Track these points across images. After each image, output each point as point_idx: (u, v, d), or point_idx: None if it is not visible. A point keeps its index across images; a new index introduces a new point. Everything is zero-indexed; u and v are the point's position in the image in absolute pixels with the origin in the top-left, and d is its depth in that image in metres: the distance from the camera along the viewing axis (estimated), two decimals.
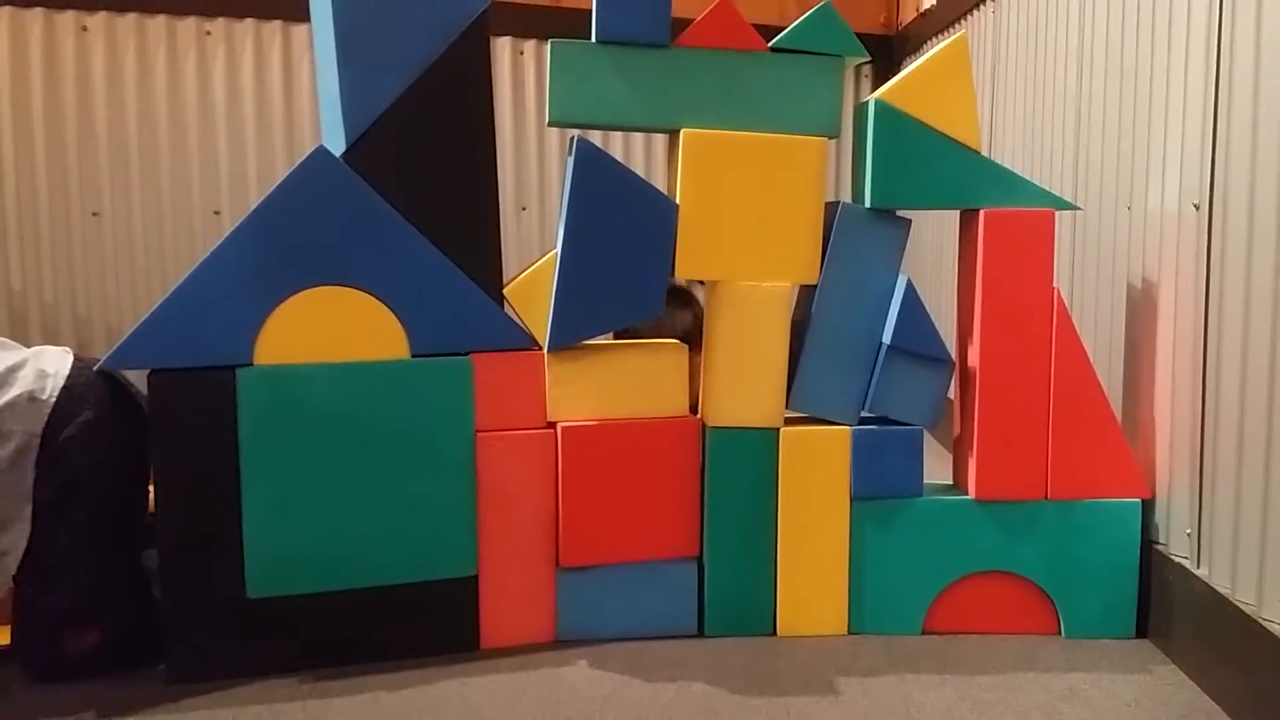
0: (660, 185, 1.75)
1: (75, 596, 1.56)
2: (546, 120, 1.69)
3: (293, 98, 3.31)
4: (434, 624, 1.65)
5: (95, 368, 1.57)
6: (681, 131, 1.67)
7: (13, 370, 1.55)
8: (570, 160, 1.64)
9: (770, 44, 1.68)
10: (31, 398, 1.54)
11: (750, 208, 1.68)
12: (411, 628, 1.63)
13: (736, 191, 1.67)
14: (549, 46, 1.64)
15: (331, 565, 1.59)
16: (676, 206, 1.67)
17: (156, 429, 1.52)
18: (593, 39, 1.64)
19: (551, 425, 1.68)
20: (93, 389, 1.58)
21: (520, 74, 3.45)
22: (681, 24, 1.64)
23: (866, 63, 3.73)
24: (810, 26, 1.67)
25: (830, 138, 1.70)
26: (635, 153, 3.54)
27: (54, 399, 1.54)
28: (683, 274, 1.69)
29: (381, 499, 1.60)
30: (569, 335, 1.66)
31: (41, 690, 1.53)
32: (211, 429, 1.53)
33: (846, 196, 1.79)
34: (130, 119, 3.17)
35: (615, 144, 3.49)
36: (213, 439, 1.53)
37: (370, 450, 1.59)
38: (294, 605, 1.58)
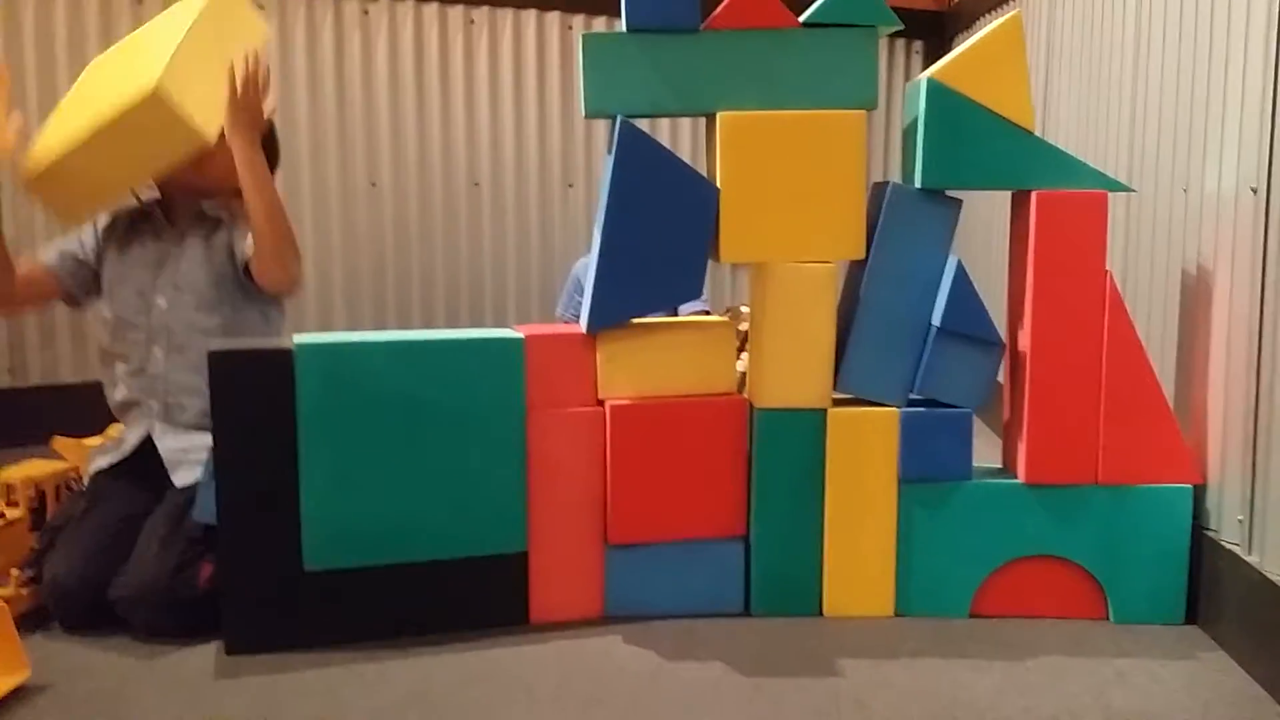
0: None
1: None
2: (583, 113, 1.69)
3: (343, 72, 3.33)
4: (485, 598, 1.67)
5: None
6: (718, 115, 1.67)
7: None
8: (613, 142, 1.65)
9: (801, 19, 1.67)
10: None
11: (792, 187, 1.67)
12: (463, 602, 1.66)
13: (777, 171, 1.67)
14: (579, 40, 1.64)
15: (386, 540, 1.62)
16: (718, 190, 1.67)
17: (216, 405, 1.55)
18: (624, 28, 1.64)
19: (601, 403, 1.69)
20: None
21: (569, 49, 3.45)
22: (711, 6, 1.64)
23: (918, 40, 3.72)
24: None
25: (868, 110, 1.69)
26: (682, 137, 3.54)
27: None
28: (727, 258, 1.69)
29: (435, 475, 1.62)
30: (608, 317, 1.68)
31: (97, 661, 1.57)
32: (270, 404, 1.56)
33: (896, 177, 1.78)
34: None
35: (662, 126, 3.48)
36: (272, 414, 1.56)
37: (424, 426, 1.61)
38: (349, 578, 1.61)
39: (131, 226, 1.90)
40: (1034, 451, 1.70)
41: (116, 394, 1.86)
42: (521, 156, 3.48)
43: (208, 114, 1.73)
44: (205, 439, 1.67)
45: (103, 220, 1.92)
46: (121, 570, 1.64)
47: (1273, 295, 1.48)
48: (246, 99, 1.73)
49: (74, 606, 1.65)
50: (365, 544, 1.61)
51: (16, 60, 2.94)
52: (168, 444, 1.79)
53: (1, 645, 1.45)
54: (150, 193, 1.91)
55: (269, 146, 1.93)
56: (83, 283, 1.90)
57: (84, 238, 1.91)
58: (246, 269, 1.81)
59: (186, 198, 1.85)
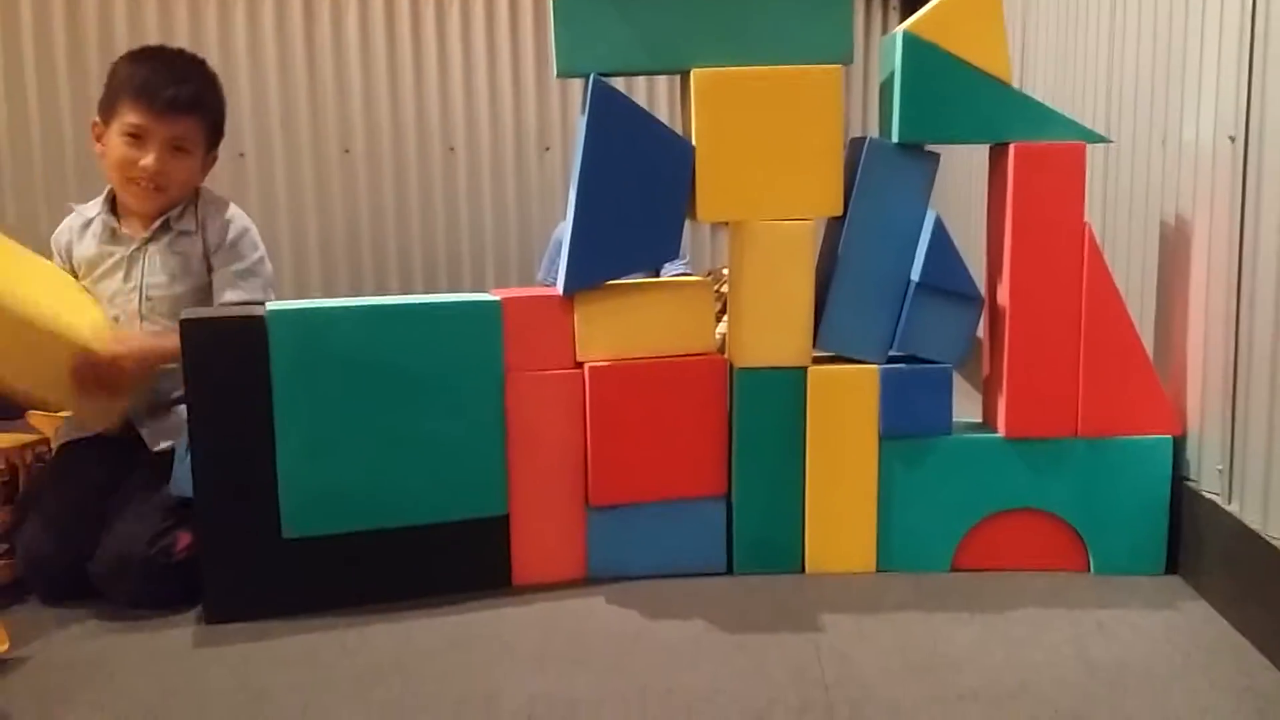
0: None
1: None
2: (554, 74, 1.66)
3: (313, 37, 3.29)
4: (466, 562, 1.67)
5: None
6: (693, 72, 1.64)
7: None
8: (586, 101, 1.62)
9: None
10: None
11: (768, 143, 1.66)
12: (445, 566, 1.66)
13: (753, 128, 1.65)
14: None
15: (365, 505, 1.61)
16: (693, 148, 1.65)
17: (190, 373, 1.54)
18: None
19: (580, 365, 1.68)
20: None
21: (542, 12, 3.41)
22: None
23: None
24: None
25: (844, 65, 1.67)
26: (659, 96, 3.50)
27: None
28: (704, 217, 1.68)
29: (413, 440, 1.61)
30: (584, 279, 1.66)
31: (77, 632, 1.56)
32: (244, 373, 1.54)
33: (874, 132, 1.76)
34: None
35: (638, 85, 3.45)
36: (246, 383, 1.55)
37: (401, 392, 1.60)
38: (329, 545, 1.60)
39: (94, 240, 1.87)
40: (1013, 405, 1.70)
41: None
42: (497, 120, 3.45)
43: (85, 332, 1.68)
44: (180, 411, 1.67)
45: (63, 241, 1.90)
46: (98, 544, 1.63)
47: (1251, 245, 1.48)
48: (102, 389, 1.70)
49: (50, 578, 1.64)
50: (344, 510, 1.60)
51: (14, 59, 2.92)
52: (144, 424, 1.78)
53: None
54: (108, 217, 1.87)
55: (217, 132, 1.91)
56: None
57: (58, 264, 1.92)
58: None
59: (148, 217, 1.84)
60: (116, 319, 1.83)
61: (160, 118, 1.79)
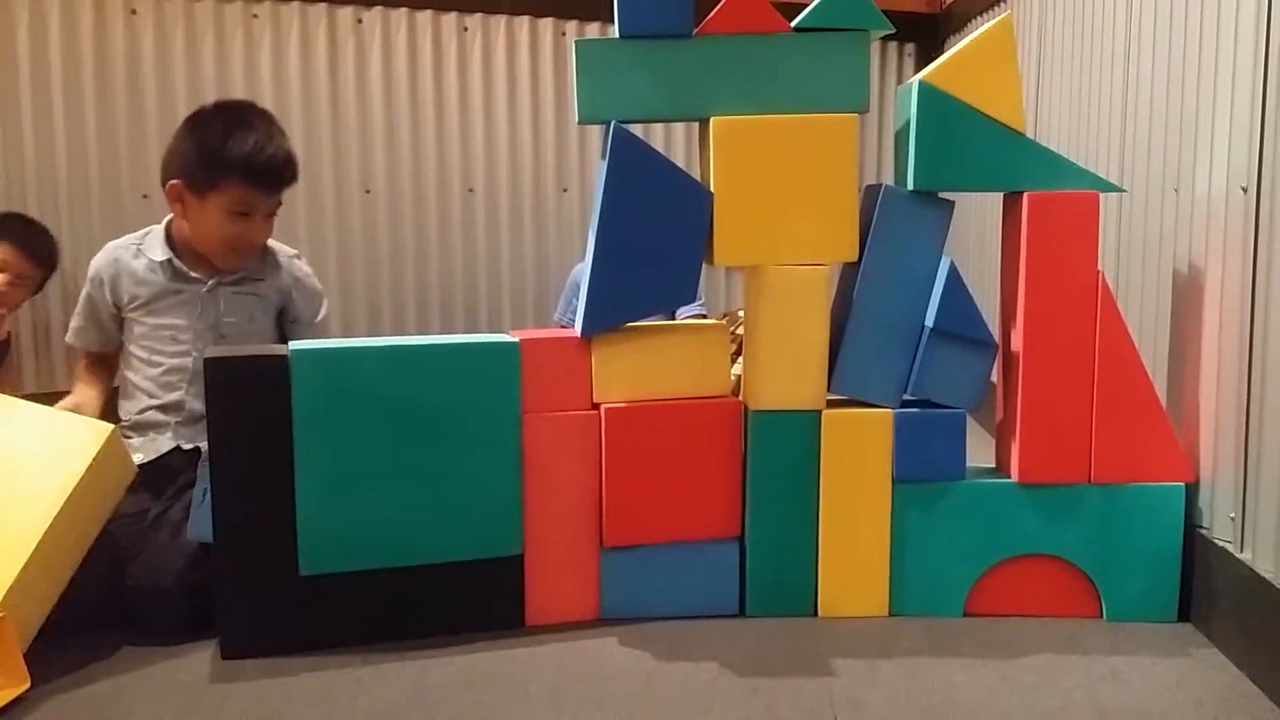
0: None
1: None
2: (576, 119, 1.70)
3: (337, 80, 3.34)
4: (481, 601, 1.68)
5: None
6: (711, 120, 1.67)
7: None
8: (606, 146, 1.65)
9: (793, 24, 1.68)
10: None
11: (785, 190, 1.68)
12: (459, 605, 1.67)
13: (770, 175, 1.68)
14: (572, 46, 1.65)
15: (382, 543, 1.62)
16: (711, 194, 1.68)
17: (213, 410, 1.56)
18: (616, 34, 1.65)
19: (596, 406, 1.70)
20: None
21: (563, 54, 3.46)
22: (704, 10, 1.65)
23: (910, 42, 3.73)
24: (832, 3, 1.66)
25: (860, 113, 1.69)
26: (676, 141, 3.54)
27: None
28: (721, 262, 1.70)
29: (430, 479, 1.63)
30: (601, 322, 1.68)
31: (95, 668, 1.57)
32: (266, 410, 1.56)
33: (889, 179, 1.79)
34: (179, 102, 3.20)
35: (656, 131, 3.49)
36: (267, 420, 1.57)
37: (419, 431, 1.62)
38: (345, 582, 1.61)
39: (151, 275, 1.93)
40: (1027, 451, 1.71)
41: (135, 411, 1.92)
42: (516, 162, 3.49)
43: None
44: None
45: (109, 273, 1.96)
46: (137, 562, 1.66)
47: (1263, 293, 1.49)
48: None
49: (81, 610, 1.65)
50: (361, 548, 1.62)
51: (9, 65, 2.95)
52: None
53: (3, 656, 1.45)
54: (176, 261, 1.93)
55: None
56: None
57: (99, 305, 1.99)
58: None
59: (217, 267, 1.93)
60: (186, 353, 1.91)
61: (270, 192, 1.89)
